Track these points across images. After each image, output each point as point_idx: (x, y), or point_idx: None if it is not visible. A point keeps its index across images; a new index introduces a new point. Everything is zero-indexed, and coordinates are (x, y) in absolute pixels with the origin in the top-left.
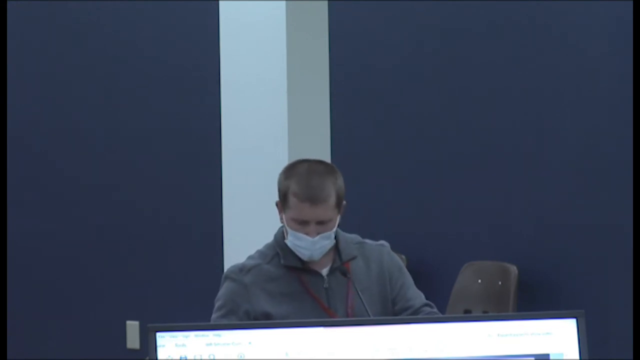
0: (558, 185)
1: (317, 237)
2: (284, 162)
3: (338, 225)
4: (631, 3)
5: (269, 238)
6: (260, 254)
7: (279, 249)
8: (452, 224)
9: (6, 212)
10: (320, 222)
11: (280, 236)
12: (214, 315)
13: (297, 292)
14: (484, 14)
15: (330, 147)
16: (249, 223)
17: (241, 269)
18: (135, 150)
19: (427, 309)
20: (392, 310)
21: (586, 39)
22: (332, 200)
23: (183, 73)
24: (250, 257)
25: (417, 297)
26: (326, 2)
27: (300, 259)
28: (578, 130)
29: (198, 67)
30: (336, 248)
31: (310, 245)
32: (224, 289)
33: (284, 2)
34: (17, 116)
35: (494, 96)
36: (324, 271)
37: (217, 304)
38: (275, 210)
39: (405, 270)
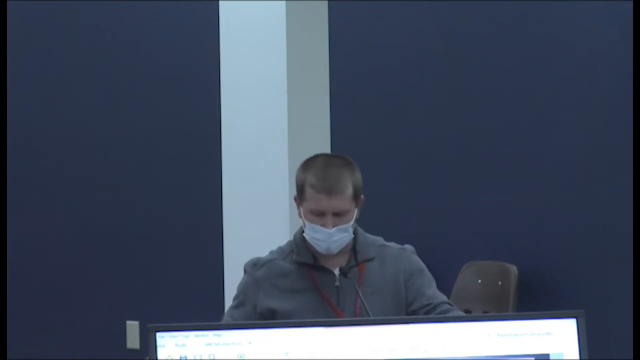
0: (558, 185)
1: (334, 230)
2: (284, 162)
3: (360, 225)
4: (631, 3)
5: (269, 237)
6: (280, 249)
7: (294, 245)
8: (452, 224)
9: (6, 212)
10: (337, 214)
11: (298, 233)
12: (230, 304)
13: (306, 288)
14: (484, 15)
15: (330, 147)
16: (249, 223)
17: (255, 264)
18: (135, 150)
19: (446, 306)
20: (407, 313)
21: (586, 39)
22: (349, 191)
23: (183, 73)
24: (270, 252)
25: (438, 296)
26: (326, 2)
27: (313, 256)
28: (578, 131)
29: (198, 67)
30: (353, 248)
31: (328, 237)
32: (241, 280)
33: (284, 2)
34: (16, 116)
35: (494, 96)
36: (337, 270)
37: (235, 294)
38: (276, 209)
39: (427, 273)
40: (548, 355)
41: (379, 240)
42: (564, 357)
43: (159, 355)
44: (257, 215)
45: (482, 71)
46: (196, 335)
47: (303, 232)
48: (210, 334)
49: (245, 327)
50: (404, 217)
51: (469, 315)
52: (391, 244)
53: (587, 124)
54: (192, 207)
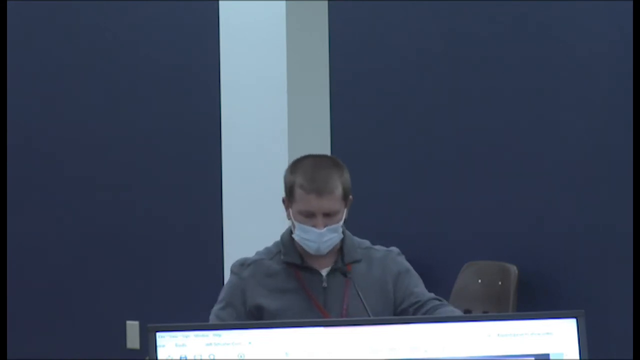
0: (558, 185)
1: (325, 230)
2: (284, 161)
3: (347, 228)
4: (631, 3)
5: (269, 237)
6: (267, 250)
7: (282, 245)
8: (452, 224)
9: (6, 212)
10: (327, 214)
11: (286, 233)
12: (214, 307)
13: (293, 288)
14: (484, 15)
15: (330, 147)
16: (249, 223)
17: (242, 264)
18: (135, 150)
19: (435, 302)
20: (396, 313)
21: (586, 39)
22: (339, 192)
23: (183, 73)
24: (257, 253)
25: (425, 293)
26: (326, 2)
27: (300, 256)
28: (578, 131)
29: (198, 67)
30: (340, 249)
31: (318, 238)
32: (227, 282)
33: (284, 2)
34: (16, 116)
35: (494, 96)
36: (324, 271)
37: (219, 297)
38: (276, 209)
39: (414, 272)
40: (548, 355)
41: (365, 242)
42: (564, 357)
43: (159, 355)
44: (257, 215)
45: (482, 71)
46: (196, 335)
47: (291, 232)
48: (210, 334)
49: (245, 327)
50: (404, 217)
51: (469, 315)
52: (377, 246)
53: (587, 124)
54: (192, 207)
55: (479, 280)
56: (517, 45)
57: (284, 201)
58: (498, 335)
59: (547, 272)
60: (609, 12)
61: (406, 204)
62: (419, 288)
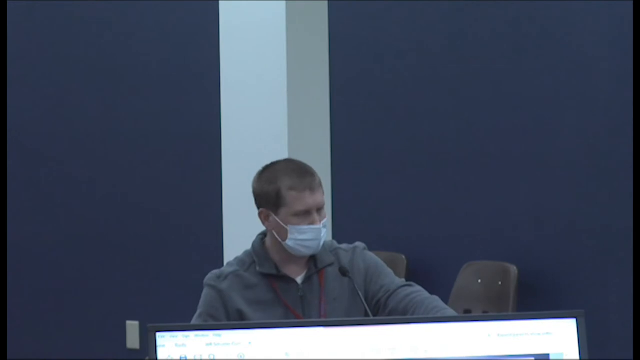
0: (558, 185)
1: (321, 225)
2: None
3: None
4: (631, 3)
5: None
6: (239, 261)
7: (255, 256)
8: (452, 224)
9: (6, 212)
10: (320, 209)
11: (257, 243)
12: (196, 321)
13: (271, 300)
14: (484, 15)
15: (330, 147)
16: (249, 223)
17: (219, 276)
18: (135, 150)
19: (407, 289)
20: (373, 308)
21: (586, 39)
22: (322, 186)
23: (183, 73)
24: (228, 264)
25: (395, 282)
26: (326, 2)
27: (275, 266)
28: (578, 130)
29: (198, 67)
30: (312, 255)
31: (317, 235)
32: (203, 296)
33: (284, 2)
34: (16, 116)
35: (493, 96)
36: (299, 279)
37: (197, 312)
38: None
39: (381, 264)
40: (548, 355)
41: (334, 244)
42: (564, 357)
43: (159, 355)
44: (257, 216)
45: (482, 71)
46: (196, 335)
47: (261, 240)
48: (210, 334)
49: (245, 327)
50: (404, 217)
51: (469, 316)
52: (343, 246)
53: (587, 124)
54: (192, 207)
55: (479, 280)
56: (517, 45)
57: (261, 214)
58: (498, 335)
59: (547, 272)
60: (609, 12)
61: (406, 204)
62: (388, 279)
